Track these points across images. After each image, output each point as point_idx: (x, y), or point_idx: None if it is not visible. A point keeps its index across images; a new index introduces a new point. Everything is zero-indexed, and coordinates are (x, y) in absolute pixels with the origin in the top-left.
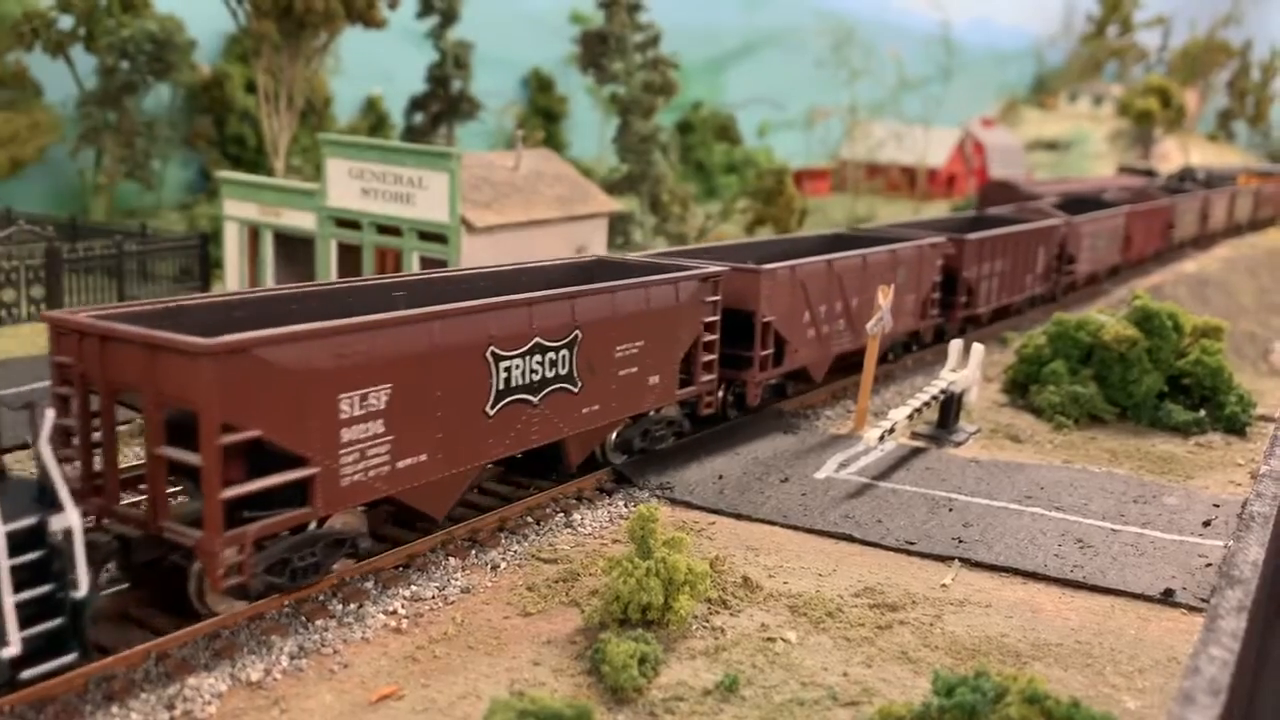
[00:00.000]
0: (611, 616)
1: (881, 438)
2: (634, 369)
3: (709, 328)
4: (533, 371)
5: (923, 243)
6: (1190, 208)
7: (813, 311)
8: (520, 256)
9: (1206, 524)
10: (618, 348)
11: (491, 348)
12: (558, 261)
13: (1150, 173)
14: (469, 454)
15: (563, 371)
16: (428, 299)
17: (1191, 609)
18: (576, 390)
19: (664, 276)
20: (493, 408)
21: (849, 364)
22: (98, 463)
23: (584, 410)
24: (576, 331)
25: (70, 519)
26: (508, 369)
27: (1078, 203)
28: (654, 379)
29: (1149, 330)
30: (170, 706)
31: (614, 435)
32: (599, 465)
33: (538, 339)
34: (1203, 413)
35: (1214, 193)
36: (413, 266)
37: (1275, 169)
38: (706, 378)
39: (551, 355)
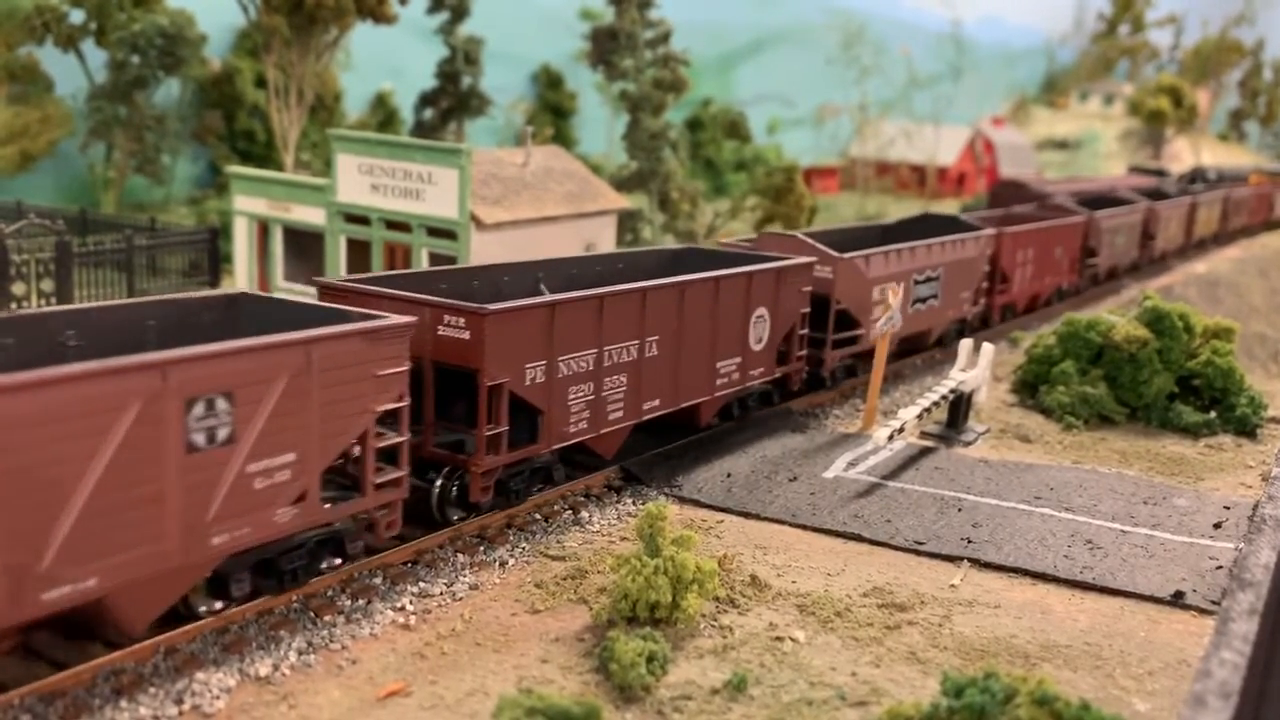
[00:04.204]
0: (620, 614)
1: (891, 437)
2: None
3: None
4: None
5: (334, 335)
6: (1123, 224)
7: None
8: (529, 253)
9: (1217, 526)
10: None
11: None
12: None
13: (1161, 172)
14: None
15: None
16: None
17: (1202, 611)
18: None
19: None
20: None
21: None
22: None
23: None
24: None
25: None
26: None
27: (924, 222)
28: None
29: (1159, 331)
30: (179, 701)
31: None
32: None
33: None
34: (1213, 414)
35: (1164, 204)
36: (422, 262)
37: None
38: None
39: None
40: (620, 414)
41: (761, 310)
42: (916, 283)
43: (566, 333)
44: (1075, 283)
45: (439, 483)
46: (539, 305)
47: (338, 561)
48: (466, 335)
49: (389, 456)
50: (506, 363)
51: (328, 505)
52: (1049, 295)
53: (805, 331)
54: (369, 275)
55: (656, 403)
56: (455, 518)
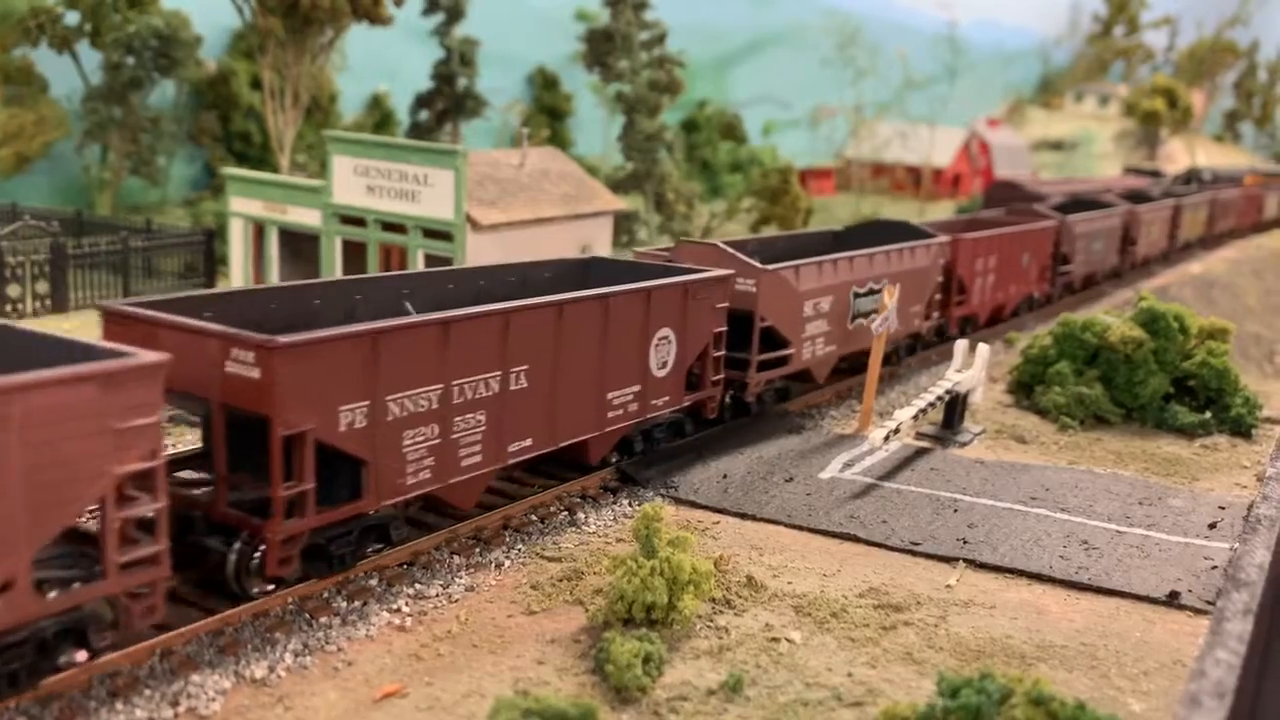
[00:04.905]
0: (616, 616)
1: (886, 438)
2: None
3: None
4: None
5: None
6: (1100, 229)
7: None
8: (526, 255)
9: (1212, 526)
10: None
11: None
12: None
13: (1156, 173)
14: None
15: None
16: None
17: (1197, 611)
18: None
19: None
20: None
21: None
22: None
23: None
24: None
25: None
26: None
27: (876, 229)
28: None
29: (1155, 331)
30: (174, 703)
31: None
32: None
33: None
34: (1208, 414)
35: (1146, 207)
36: (418, 264)
37: None
38: None
39: None
40: (478, 459)
41: (665, 331)
42: (856, 296)
43: (398, 366)
44: (1046, 292)
45: (237, 548)
46: (354, 335)
47: (82, 656)
48: (256, 373)
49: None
50: (310, 406)
51: (69, 588)
52: (1016, 306)
53: (721, 353)
54: (174, 297)
55: (528, 442)
56: (256, 591)
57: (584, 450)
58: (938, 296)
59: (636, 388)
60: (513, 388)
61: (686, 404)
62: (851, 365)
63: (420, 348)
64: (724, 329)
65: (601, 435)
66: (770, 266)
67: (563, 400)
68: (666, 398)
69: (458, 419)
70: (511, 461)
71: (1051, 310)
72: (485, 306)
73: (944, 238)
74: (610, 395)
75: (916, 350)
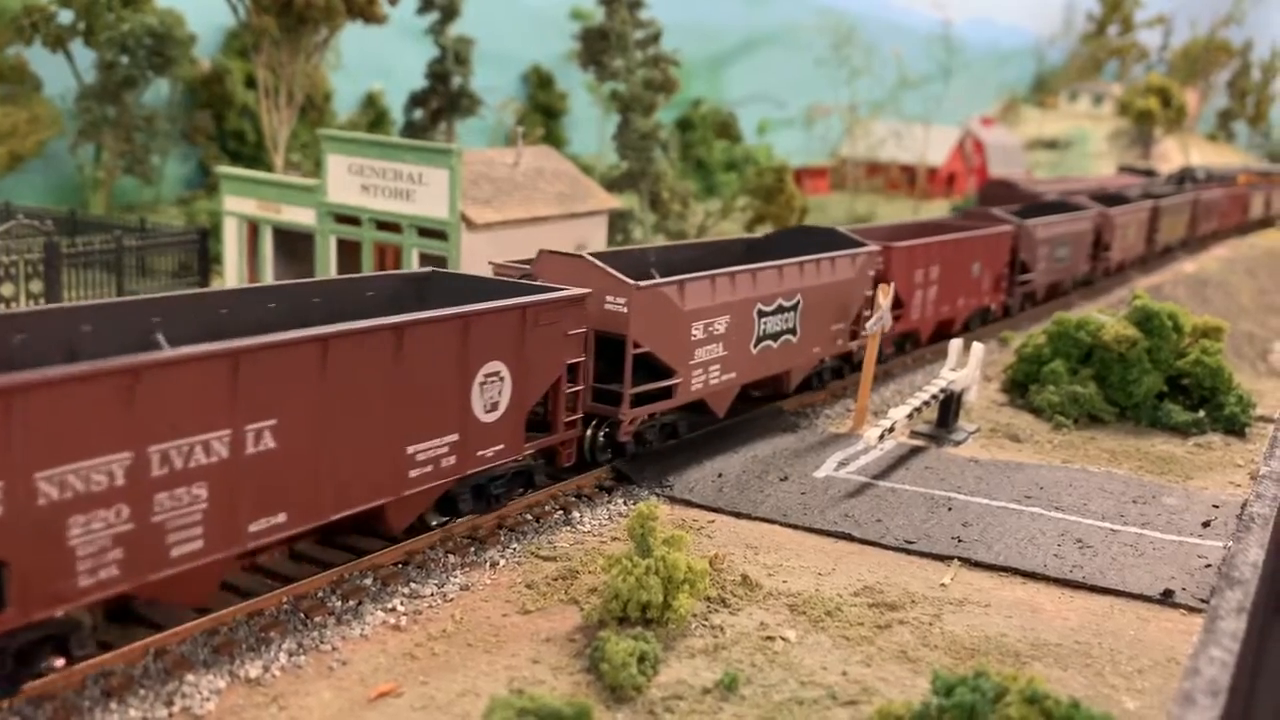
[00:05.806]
0: (611, 615)
1: (881, 437)
2: None
3: None
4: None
5: None
6: (1065, 234)
7: None
8: (521, 253)
9: (1206, 524)
10: None
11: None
12: None
13: (1150, 172)
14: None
15: None
16: None
17: (1191, 609)
18: None
19: None
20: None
21: None
22: None
23: None
24: None
25: None
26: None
27: (799, 236)
28: None
29: (1149, 330)
30: (169, 703)
31: None
32: None
33: None
34: (1202, 413)
35: (1120, 210)
36: (412, 263)
37: (1275, 169)
38: None
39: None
40: (198, 545)
41: (496, 365)
42: (762, 315)
43: (53, 430)
44: (1004, 304)
45: None
46: None
47: None
48: None
49: None
50: None
51: None
52: (967, 319)
53: (579, 388)
54: None
55: (280, 519)
56: None
57: (380, 518)
58: (867, 312)
59: (454, 437)
60: (251, 450)
61: (529, 451)
62: (766, 393)
63: (91, 405)
64: (580, 359)
65: (401, 500)
66: (644, 283)
67: (336, 461)
68: (500, 446)
69: (161, 495)
70: (254, 545)
71: (1009, 325)
72: (199, 346)
73: (874, 247)
74: (412, 449)
75: (844, 373)
